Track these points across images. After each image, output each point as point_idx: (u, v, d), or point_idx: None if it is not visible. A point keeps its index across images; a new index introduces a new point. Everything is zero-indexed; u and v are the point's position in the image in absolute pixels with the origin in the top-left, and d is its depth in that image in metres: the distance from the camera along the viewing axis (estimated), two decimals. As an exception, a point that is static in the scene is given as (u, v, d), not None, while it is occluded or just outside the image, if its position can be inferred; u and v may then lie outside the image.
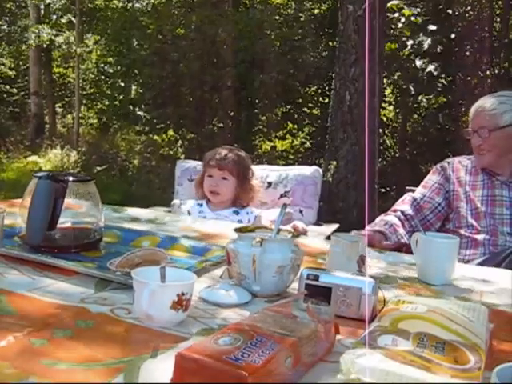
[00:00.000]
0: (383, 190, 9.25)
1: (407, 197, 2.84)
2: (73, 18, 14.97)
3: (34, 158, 11.69)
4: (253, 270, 1.41)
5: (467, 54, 8.98)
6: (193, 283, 1.25)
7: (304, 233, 2.94)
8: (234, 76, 10.58)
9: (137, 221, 2.38)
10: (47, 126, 15.84)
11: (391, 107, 10.89)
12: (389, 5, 7.27)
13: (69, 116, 17.29)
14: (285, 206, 1.61)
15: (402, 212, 2.74)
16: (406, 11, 7.26)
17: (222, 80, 10.72)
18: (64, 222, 1.77)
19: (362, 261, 1.61)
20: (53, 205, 1.65)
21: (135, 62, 11.72)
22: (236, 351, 0.92)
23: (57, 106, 17.69)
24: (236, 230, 1.53)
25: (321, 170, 3.50)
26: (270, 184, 3.42)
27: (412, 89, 8.25)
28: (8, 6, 18.37)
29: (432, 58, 8.08)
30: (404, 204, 2.80)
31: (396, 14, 7.32)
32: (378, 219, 2.76)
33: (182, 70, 10.90)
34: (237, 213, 3.06)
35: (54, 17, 16.10)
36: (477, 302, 1.56)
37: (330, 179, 6.74)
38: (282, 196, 3.40)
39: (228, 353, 0.92)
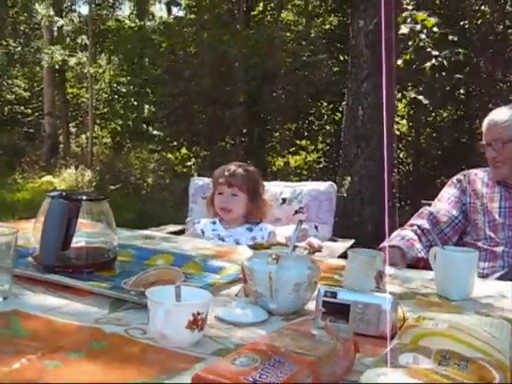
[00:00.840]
0: (398, 205, 9.19)
1: (423, 211, 2.80)
2: (86, 40, 15.10)
3: (48, 177, 11.75)
4: (269, 287, 1.39)
5: (481, 66, 8.93)
6: (208, 302, 1.23)
7: (320, 249, 2.91)
8: (246, 92, 10.61)
9: (151, 239, 2.37)
10: (61, 145, 15.93)
11: (404, 121, 10.85)
12: (412, 16, 7.21)
13: (83, 136, 17.39)
14: (300, 222, 1.59)
15: (419, 226, 2.70)
16: (430, 21, 7.20)
17: (234, 97, 10.76)
18: (78, 241, 1.76)
19: (380, 277, 1.59)
20: (66, 224, 1.64)
21: (148, 81, 11.78)
22: (254, 372, 0.90)
23: (71, 125, 17.81)
24: (251, 247, 1.51)
25: (335, 186, 3.47)
26: (284, 200, 3.40)
27: (427, 102, 8.19)
28: (22, 27, 18.57)
29: (451, 70, 8.05)
30: (420, 218, 2.76)
31: (418, 26, 7.27)
32: (394, 234, 2.73)
33: (194, 88, 10.94)
34: (250, 229, 3.02)
35: (68, 39, 16.24)
36: (498, 317, 1.53)
37: (345, 194, 6.71)
38: (296, 212, 3.38)
39: (246, 374, 0.89)
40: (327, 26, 11.83)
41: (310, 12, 12.15)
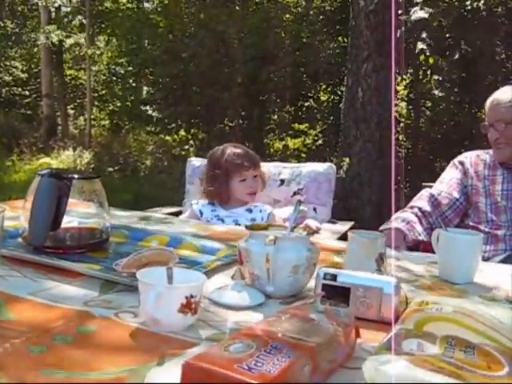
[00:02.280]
0: (396, 187, 9.14)
1: (424, 193, 2.75)
2: (83, 20, 14.98)
3: (46, 159, 11.66)
4: (266, 269, 1.33)
5: (484, 46, 8.83)
6: (202, 284, 1.17)
7: (317, 231, 2.86)
8: (244, 74, 10.51)
9: (146, 219, 2.31)
10: (59, 127, 15.85)
11: (403, 104, 10.77)
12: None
13: (81, 118, 17.31)
14: (299, 202, 1.53)
15: (419, 209, 2.65)
16: None
17: (232, 78, 10.66)
18: (69, 221, 1.70)
19: (381, 259, 1.53)
20: (56, 204, 1.58)
21: (146, 62, 11.69)
22: (249, 359, 0.84)
23: (69, 107, 17.70)
24: (248, 227, 1.45)
25: (335, 167, 3.41)
26: (282, 181, 3.35)
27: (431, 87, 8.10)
28: (20, 8, 18.42)
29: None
30: (421, 200, 2.70)
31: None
32: (394, 216, 2.67)
33: (192, 69, 10.85)
34: (250, 211, 2.98)
35: (65, 19, 16.10)
36: (503, 301, 1.47)
37: (344, 176, 6.66)
38: (295, 194, 3.33)
39: (240, 361, 0.84)
40: (327, 8, 11.71)
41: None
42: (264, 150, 11.18)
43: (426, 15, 7.21)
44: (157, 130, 12.19)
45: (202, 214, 2.98)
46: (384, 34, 6.76)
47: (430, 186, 2.81)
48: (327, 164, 3.41)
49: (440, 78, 8.15)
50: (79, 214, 1.78)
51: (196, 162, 3.60)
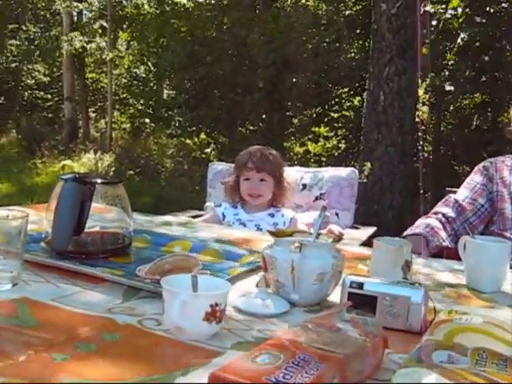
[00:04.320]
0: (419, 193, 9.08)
1: (448, 198, 2.71)
2: (105, 24, 15.07)
3: (67, 162, 11.73)
4: (291, 277, 1.31)
5: (507, 50, 8.73)
6: (227, 293, 1.15)
7: (341, 237, 2.83)
8: (266, 78, 10.49)
9: (168, 225, 2.30)
10: (81, 130, 15.95)
11: (424, 107, 10.69)
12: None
13: (102, 121, 17.41)
14: (324, 208, 1.51)
15: (444, 214, 2.61)
16: (455, 1, 7.02)
17: (254, 82, 10.64)
18: (92, 226, 1.69)
19: (407, 267, 1.51)
20: (79, 208, 1.57)
21: (168, 66, 11.72)
22: (277, 371, 0.82)
23: (90, 110, 17.81)
24: (272, 233, 1.43)
25: (357, 172, 3.39)
26: (304, 186, 3.33)
27: (451, 88, 8.02)
28: (43, 13, 18.57)
29: (476, 53, 7.89)
30: (445, 206, 2.66)
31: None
32: (418, 222, 2.64)
33: (215, 73, 10.86)
34: (272, 215, 2.97)
35: (87, 24, 16.22)
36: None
37: (365, 181, 6.61)
38: (317, 198, 3.30)
39: (268, 373, 0.82)
40: (348, 12, 11.65)
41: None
42: (285, 154, 11.14)
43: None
44: (177, 133, 12.21)
45: (224, 217, 2.98)
46: (406, 38, 6.71)
47: (454, 192, 2.76)
48: (350, 169, 3.38)
49: (462, 80, 8.05)
50: (102, 218, 1.77)
51: (218, 166, 3.59)
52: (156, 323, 1.20)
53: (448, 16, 7.12)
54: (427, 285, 1.61)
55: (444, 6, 7.08)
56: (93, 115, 18.25)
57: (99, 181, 1.68)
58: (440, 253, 2.51)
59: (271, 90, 10.72)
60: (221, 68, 10.80)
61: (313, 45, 11.02)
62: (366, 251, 2.00)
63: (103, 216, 1.77)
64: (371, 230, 3.30)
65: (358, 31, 11.04)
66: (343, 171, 3.35)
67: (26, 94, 18.32)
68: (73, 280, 1.46)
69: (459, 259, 1.78)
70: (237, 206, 3.02)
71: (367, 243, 3.19)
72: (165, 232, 2.07)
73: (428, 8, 7.06)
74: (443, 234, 2.53)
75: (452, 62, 7.73)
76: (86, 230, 1.62)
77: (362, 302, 1.25)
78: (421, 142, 10.09)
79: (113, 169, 11.00)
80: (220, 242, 1.97)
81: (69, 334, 1.13)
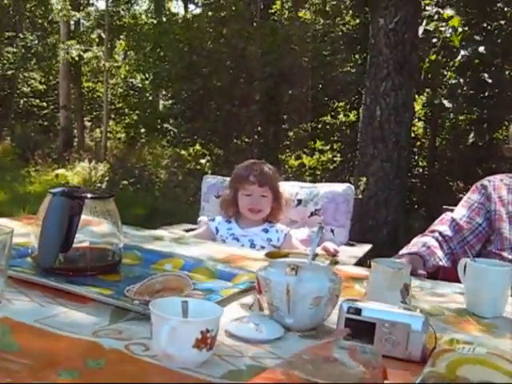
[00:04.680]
0: (413, 208, 9.05)
1: (445, 217, 2.65)
2: (102, 34, 15.08)
3: (61, 171, 11.67)
4: (286, 300, 1.26)
5: (505, 68, 8.73)
6: (219, 318, 1.09)
7: (336, 254, 2.79)
8: (263, 90, 10.47)
9: (160, 239, 2.24)
10: (76, 139, 15.90)
11: (420, 123, 10.68)
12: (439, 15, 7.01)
13: (97, 130, 17.37)
14: (321, 228, 1.46)
15: (440, 233, 2.56)
16: (456, 20, 7.00)
17: (250, 94, 10.62)
18: (80, 241, 1.64)
19: (406, 290, 1.45)
20: (67, 224, 1.51)
21: (165, 76, 11.70)
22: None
23: (86, 119, 17.77)
24: (268, 255, 1.38)
25: (353, 187, 3.33)
26: (299, 201, 3.27)
27: (450, 105, 7.98)
28: (40, 21, 18.57)
29: (476, 70, 7.87)
30: (442, 224, 2.61)
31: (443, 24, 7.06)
32: (414, 240, 2.59)
33: (212, 85, 10.83)
34: (266, 231, 2.91)
35: (84, 33, 16.23)
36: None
37: (360, 197, 6.56)
38: (312, 214, 3.25)
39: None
40: (345, 27, 11.65)
41: (327, 12, 12.00)
42: (279, 167, 11.11)
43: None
44: (173, 143, 12.18)
45: (217, 231, 2.92)
46: (404, 53, 6.69)
47: (451, 210, 2.72)
48: (346, 184, 3.33)
49: (459, 98, 8.02)
50: (92, 233, 1.71)
51: (212, 180, 3.54)
52: (144, 348, 1.14)
53: (447, 34, 7.09)
54: (427, 309, 1.56)
55: (444, 24, 7.04)
56: (88, 124, 18.21)
57: (89, 195, 1.63)
58: (436, 272, 2.46)
59: (267, 103, 10.70)
60: (218, 79, 10.78)
61: (310, 58, 11.00)
62: (362, 271, 1.95)
63: (93, 231, 1.72)
64: (367, 247, 3.25)
65: (355, 45, 11.03)
66: (339, 187, 3.30)
67: (22, 101, 18.26)
68: (58, 299, 1.40)
69: (455, 278, 1.74)
70: (230, 221, 2.96)
71: (362, 260, 3.15)
72: (156, 248, 2.01)
73: (428, 26, 7.04)
74: (440, 253, 2.48)
75: (452, 79, 7.69)
76: (74, 245, 1.57)
77: (360, 328, 1.20)
78: (416, 158, 10.09)
79: (106, 178, 10.93)
80: (213, 259, 1.92)
81: (51, 359, 1.07)
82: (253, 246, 2.85)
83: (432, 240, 2.52)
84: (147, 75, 13.58)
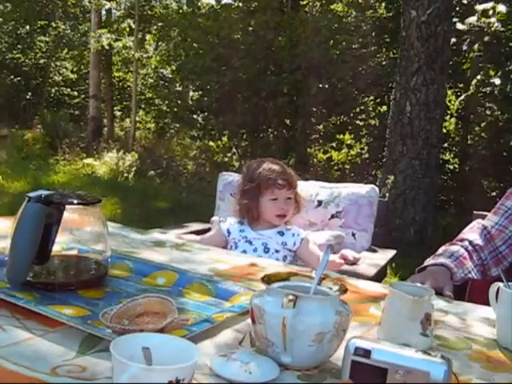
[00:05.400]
0: (443, 207, 8.79)
1: (476, 224, 2.42)
2: (132, 24, 15.03)
3: (89, 160, 11.60)
4: (282, 336, 1.06)
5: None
6: (193, 364, 0.90)
7: (355, 262, 2.59)
8: (290, 83, 10.25)
9: (161, 246, 2.05)
10: (105, 129, 15.87)
11: (452, 119, 10.38)
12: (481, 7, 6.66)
13: (127, 120, 17.30)
14: (331, 247, 1.26)
15: (470, 242, 2.32)
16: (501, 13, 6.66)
17: (279, 87, 10.41)
18: (61, 248, 1.47)
19: (427, 320, 1.25)
20: (44, 234, 1.33)
21: (193, 68, 11.56)
22: None
23: (116, 109, 17.73)
24: (264, 279, 1.18)
25: (377, 189, 3.12)
26: (320, 203, 3.07)
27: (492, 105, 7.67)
28: (73, 11, 18.60)
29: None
30: (472, 232, 2.38)
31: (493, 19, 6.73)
32: (441, 249, 2.36)
33: (240, 77, 10.65)
34: (281, 234, 2.72)
35: (115, 22, 16.19)
36: None
37: (387, 194, 6.34)
38: (333, 216, 3.05)
39: None
40: (378, 19, 11.35)
41: (359, 4, 11.71)
42: (307, 161, 10.92)
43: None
44: (200, 135, 12.05)
45: (229, 233, 2.74)
46: (436, 46, 6.43)
47: (483, 216, 2.49)
48: (369, 186, 3.12)
49: (496, 93, 7.69)
50: (74, 241, 1.53)
51: (228, 177, 3.36)
52: (107, 392, 0.95)
53: (500, 28, 6.73)
54: (449, 339, 1.36)
55: (493, 20, 6.69)
56: (118, 114, 18.17)
57: (70, 200, 1.45)
58: (464, 285, 2.25)
59: (295, 96, 10.48)
60: (245, 72, 10.58)
61: (340, 50, 10.75)
62: (380, 289, 1.74)
63: (75, 239, 1.53)
64: (390, 253, 3.04)
65: (386, 39, 10.76)
66: (363, 188, 3.09)
67: (53, 90, 18.30)
68: (27, 321, 1.22)
69: (484, 292, 1.52)
70: (243, 222, 2.77)
71: (385, 268, 2.94)
72: (154, 255, 1.83)
73: (462, 26, 6.73)
74: (469, 264, 2.26)
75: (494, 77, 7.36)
76: (53, 255, 1.39)
77: (369, 373, 1.00)
78: (447, 155, 9.80)
79: (134, 168, 10.83)
80: (215, 271, 1.73)
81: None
82: (266, 250, 2.67)
83: (461, 249, 2.30)
84: (174, 66, 13.43)
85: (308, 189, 3.09)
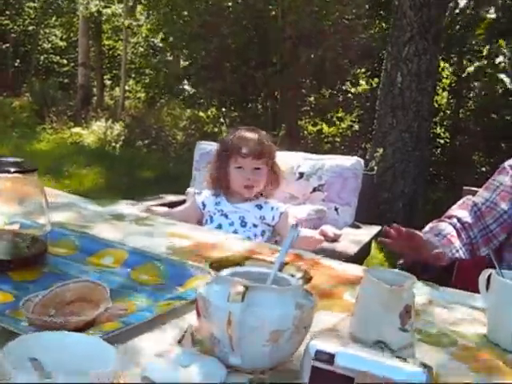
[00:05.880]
0: (433, 181, 8.64)
1: (466, 201, 2.23)
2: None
3: (77, 129, 11.38)
4: (228, 335, 0.88)
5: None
6: (108, 373, 0.71)
7: (336, 239, 2.41)
8: (280, 52, 10.01)
9: (119, 219, 1.86)
10: (95, 97, 15.61)
11: (444, 93, 10.21)
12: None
13: (117, 89, 17.03)
14: (295, 226, 1.07)
15: (459, 219, 2.15)
16: None
17: (268, 56, 10.17)
18: (2, 226, 1.28)
19: (406, 313, 1.06)
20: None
21: (183, 35, 11.32)
22: None
23: (106, 78, 17.45)
24: (213, 264, 0.99)
25: (362, 162, 2.95)
26: (301, 175, 2.90)
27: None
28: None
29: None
30: (461, 209, 2.20)
31: None
32: (428, 226, 2.19)
33: (229, 45, 10.41)
34: (259, 207, 2.54)
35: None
36: None
37: (376, 167, 6.17)
38: (315, 190, 2.88)
39: None
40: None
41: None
42: (298, 134, 10.74)
43: None
44: (188, 104, 11.84)
45: (204, 206, 2.58)
46: (429, 15, 6.21)
47: (473, 192, 2.32)
48: (354, 158, 2.94)
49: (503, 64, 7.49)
50: (16, 212, 1.34)
51: (207, 146, 3.19)
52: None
53: None
54: (435, 334, 1.18)
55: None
56: (108, 83, 17.88)
57: (10, 169, 1.25)
58: (451, 265, 2.08)
59: (285, 66, 10.24)
60: (234, 40, 10.34)
61: (332, 21, 10.50)
62: (358, 271, 1.56)
63: (16, 212, 1.34)
64: (375, 229, 2.86)
65: (380, 10, 10.52)
66: (347, 160, 2.91)
67: (42, 57, 18.02)
68: None
69: (473, 274, 1.35)
70: (219, 195, 2.59)
71: (369, 247, 2.77)
72: (106, 232, 1.64)
73: None
74: (458, 242, 2.09)
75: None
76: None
77: (332, 381, 0.82)
78: (437, 128, 9.64)
79: (122, 138, 10.63)
80: (173, 249, 1.54)
81: None
82: (243, 224, 2.51)
83: (449, 227, 2.13)
84: (165, 34, 13.17)
85: (289, 160, 2.92)
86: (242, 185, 2.51)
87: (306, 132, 11.37)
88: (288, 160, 2.89)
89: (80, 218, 1.80)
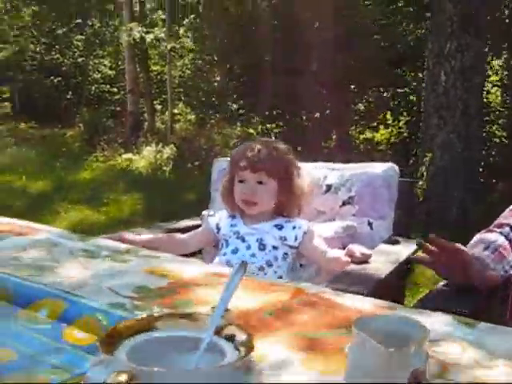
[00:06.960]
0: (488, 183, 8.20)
1: (520, 207, 1.91)
2: (162, 15, 14.96)
3: (128, 155, 11.43)
4: None
5: None
6: None
7: (365, 260, 2.09)
8: (318, 59, 9.73)
9: (93, 256, 1.56)
10: (146, 123, 15.76)
11: (497, 90, 9.75)
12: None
13: (167, 113, 17.19)
14: (244, 264, 0.76)
15: (512, 228, 1.83)
16: None
17: (307, 65, 9.90)
18: None
19: (415, 378, 0.73)
20: None
21: (223, 53, 11.26)
22: None
23: (156, 103, 17.60)
24: (102, 340, 0.67)
25: (397, 168, 2.60)
26: (329, 187, 2.59)
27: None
28: (107, 7, 18.65)
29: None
30: (515, 217, 1.87)
31: None
32: (476, 238, 1.87)
33: (266, 57, 10.23)
34: (280, 227, 2.26)
35: (146, 14, 16.13)
36: None
37: (425, 173, 5.81)
38: (344, 203, 2.55)
39: None
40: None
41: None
42: (350, 143, 10.44)
43: None
44: (233, 121, 11.76)
45: (218, 229, 2.33)
46: (470, 8, 5.85)
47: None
48: (387, 164, 2.61)
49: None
50: None
51: (224, 163, 2.88)
52: None
53: None
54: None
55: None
56: (159, 107, 18.04)
57: None
58: (505, 284, 1.74)
59: (325, 72, 9.93)
60: (272, 50, 10.14)
61: (370, 22, 10.19)
62: (374, 308, 1.22)
63: None
64: (412, 246, 2.50)
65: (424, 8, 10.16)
66: (378, 167, 2.59)
67: (93, 88, 18.36)
68: None
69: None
70: (235, 216, 2.34)
71: (407, 265, 2.42)
72: (71, 270, 1.36)
73: None
74: (510, 257, 1.77)
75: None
76: None
77: None
78: (493, 128, 9.19)
79: (171, 161, 10.57)
80: (139, 292, 1.25)
81: None
82: (262, 246, 2.24)
83: (500, 238, 1.80)
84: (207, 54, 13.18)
85: (314, 172, 2.61)
86: (240, 198, 2.28)
87: (357, 141, 11.07)
88: (313, 172, 2.59)
89: (47, 256, 1.53)
